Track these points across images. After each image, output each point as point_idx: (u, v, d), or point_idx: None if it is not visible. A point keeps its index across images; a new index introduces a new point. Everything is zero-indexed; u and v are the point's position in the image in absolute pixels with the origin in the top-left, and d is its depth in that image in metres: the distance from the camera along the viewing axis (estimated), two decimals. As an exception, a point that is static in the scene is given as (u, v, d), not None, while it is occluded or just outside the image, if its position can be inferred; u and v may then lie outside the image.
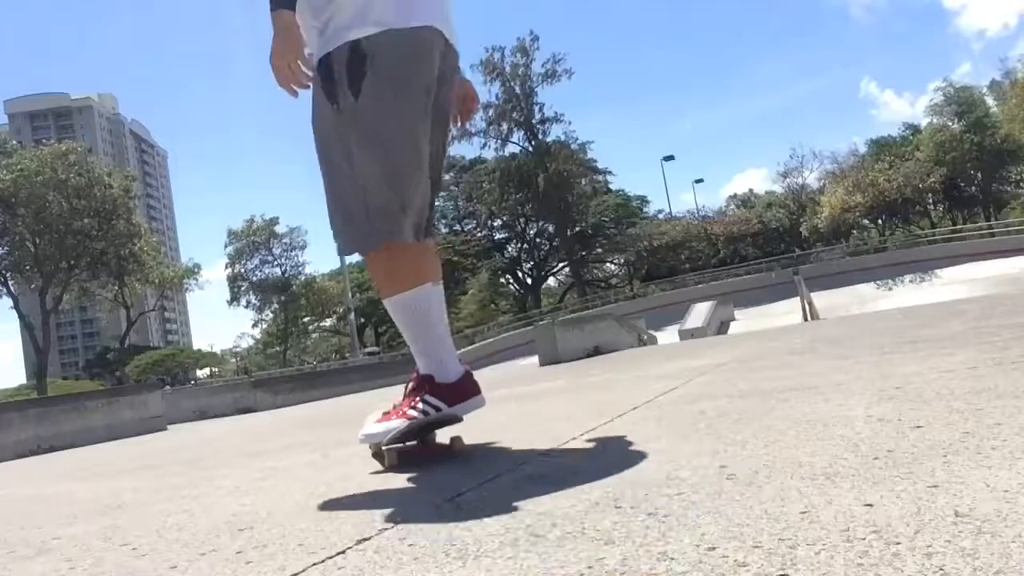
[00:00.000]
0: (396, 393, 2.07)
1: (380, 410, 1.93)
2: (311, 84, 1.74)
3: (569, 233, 47.92)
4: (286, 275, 50.86)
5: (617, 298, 42.05)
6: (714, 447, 1.50)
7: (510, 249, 53.59)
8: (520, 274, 53.15)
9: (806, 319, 22.74)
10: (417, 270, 1.85)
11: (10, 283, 39.49)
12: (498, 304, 50.44)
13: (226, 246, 51.28)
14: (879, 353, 3.13)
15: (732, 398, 2.30)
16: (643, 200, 53.07)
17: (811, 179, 45.90)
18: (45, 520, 1.91)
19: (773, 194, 49.25)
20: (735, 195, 56.57)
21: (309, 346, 60.23)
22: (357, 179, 1.73)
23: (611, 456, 1.58)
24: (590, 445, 1.78)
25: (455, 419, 1.84)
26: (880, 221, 44.89)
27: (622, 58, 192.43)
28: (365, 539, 1.15)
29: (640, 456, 1.53)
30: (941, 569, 0.71)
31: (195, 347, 72.41)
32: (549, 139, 46.37)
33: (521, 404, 3.43)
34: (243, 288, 51.13)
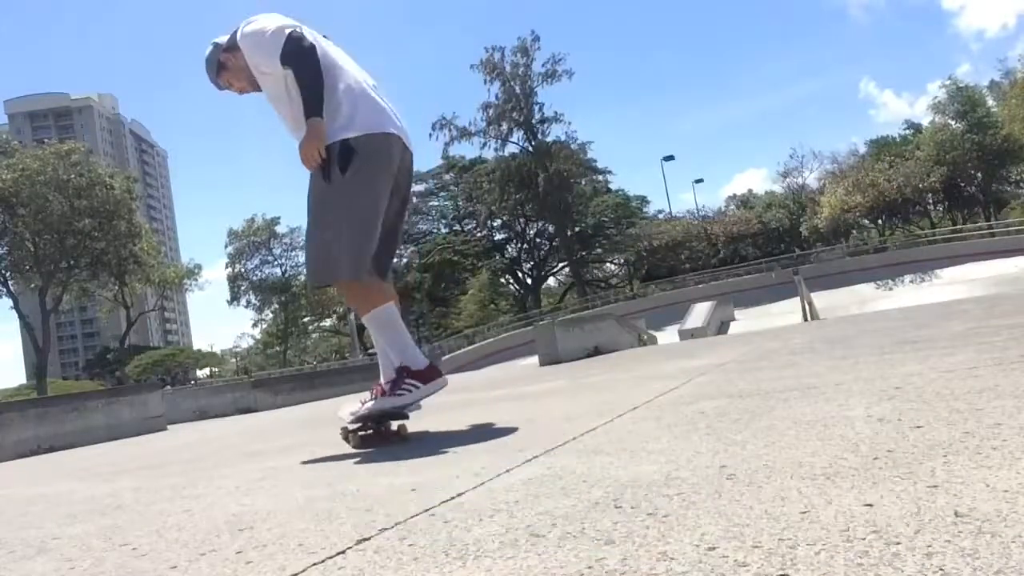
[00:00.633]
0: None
1: (356, 400, 2.55)
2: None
3: (569, 233, 47.90)
4: (286, 275, 50.85)
5: (617, 298, 42.04)
6: (714, 447, 1.50)
7: (510, 249, 53.57)
8: (520, 274, 53.13)
9: (806, 319, 22.73)
10: (382, 294, 2.55)
11: (10, 283, 39.49)
12: (498, 304, 50.43)
13: (226, 246, 51.29)
14: (879, 353, 3.13)
15: (732, 398, 2.30)
16: (643, 200, 53.07)
17: (811, 179, 45.94)
18: (45, 520, 1.91)
19: (773, 194, 49.23)
20: (735, 195, 56.56)
21: (309, 346, 60.23)
22: (336, 231, 2.42)
23: (611, 456, 1.58)
24: (590, 445, 1.78)
25: (428, 395, 2.51)
26: (880, 221, 44.87)
27: (622, 58, 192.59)
28: (365, 539, 1.15)
29: (640, 456, 1.53)
30: (941, 569, 0.71)
31: (195, 347, 72.40)
32: (549, 139, 46.37)
33: (521, 404, 3.43)
34: (243, 288, 51.10)
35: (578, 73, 58.33)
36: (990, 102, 42.34)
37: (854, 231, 44.26)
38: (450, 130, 46.00)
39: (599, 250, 50.77)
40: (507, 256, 53.24)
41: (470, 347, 37.20)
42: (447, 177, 53.93)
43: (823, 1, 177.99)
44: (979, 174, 42.20)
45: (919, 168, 40.09)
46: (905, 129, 49.47)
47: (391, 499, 1.45)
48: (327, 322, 55.97)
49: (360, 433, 2.47)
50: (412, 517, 1.26)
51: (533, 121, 45.84)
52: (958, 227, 41.70)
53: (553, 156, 45.38)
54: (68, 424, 6.68)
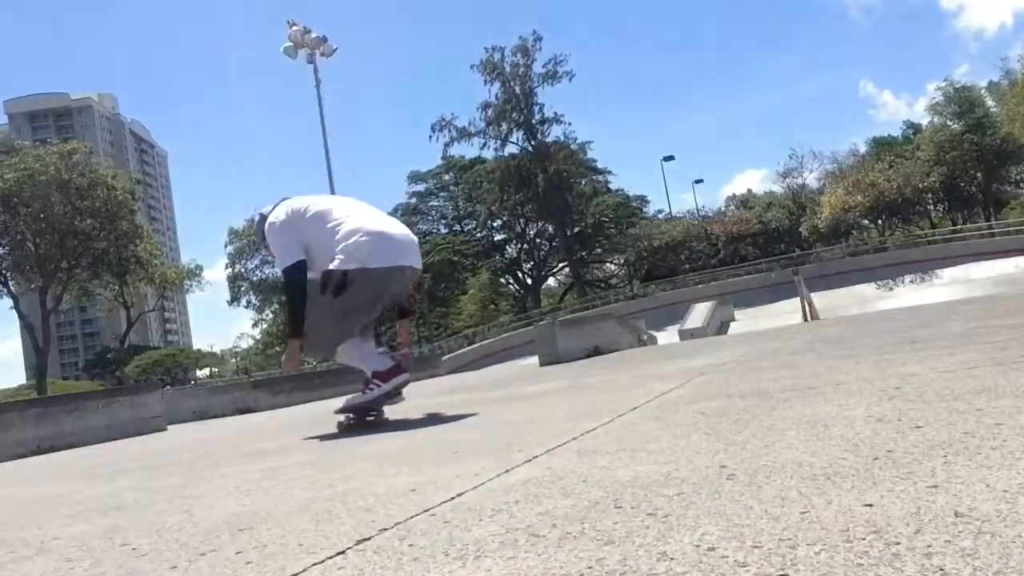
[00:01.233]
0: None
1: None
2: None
3: (569, 233, 47.88)
4: (287, 275, 50.73)
5: (617, 298, 42.00)
6: (714, 447, 1.50)
7: (510, 249, 53.54)
8: (520, 274, 53.11)
9: (806, 319, 22.70)
10: (292, 362, 3.39)
11: (10, 283, 39.47)
12: (498, 304, 50.40)
13: (226, 245, 51.23)
14: (879, 353, 3.13)
15: (732, 398, 2.30)
16: (643, 200, 53.06)
17: (811, 179, 45.89)
18: (45, 520, 1.91)
19: (773, 194, 49.18)
20: (735, 195, 56.51)
21: (309, 346, 60.11)
22: (315, 326, 3.20)
23: (611, 456, 1.58)
24: (590, 445, 1.78)
25: (389, 389, 3.20)
26: (880, 221, 44.82)
27: (622, 58, 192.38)
28: (365, 539, 1.15)
29: (640, 456, 1.53)
30: (941, 569, 0.71)
31: (195, 347, 72.37)
32: (549, 139, 46.35)
33: (521, 404, 3.43)
34: (243, 288, 51.04)
35: (578, 73, 58.27)
36: (989, 102, 42.32)
37: (854, 231, 44.20)
38: (450, 130, 46.05)
39: (599, 250, 50.75)
40: (507, 256, 53.22)
41: (470, 347, 37.19)
42: (447, 177, 53.93)
43: (822, 2, 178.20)
44: (978, 174, 42.17)
45: (919, 168, 40.08)
46: (905, 129, 49.48)
47: (391, 499, 1.45)
48: (327, 322, 55.89)
49: (341, 420, 3.29)
50: (412, 517, 1.26)
51: (533, 121, 45.82)
52: (958, 227, 41.68)
53: (553, 156, 45.37)
54: (68, 424, 6.68)
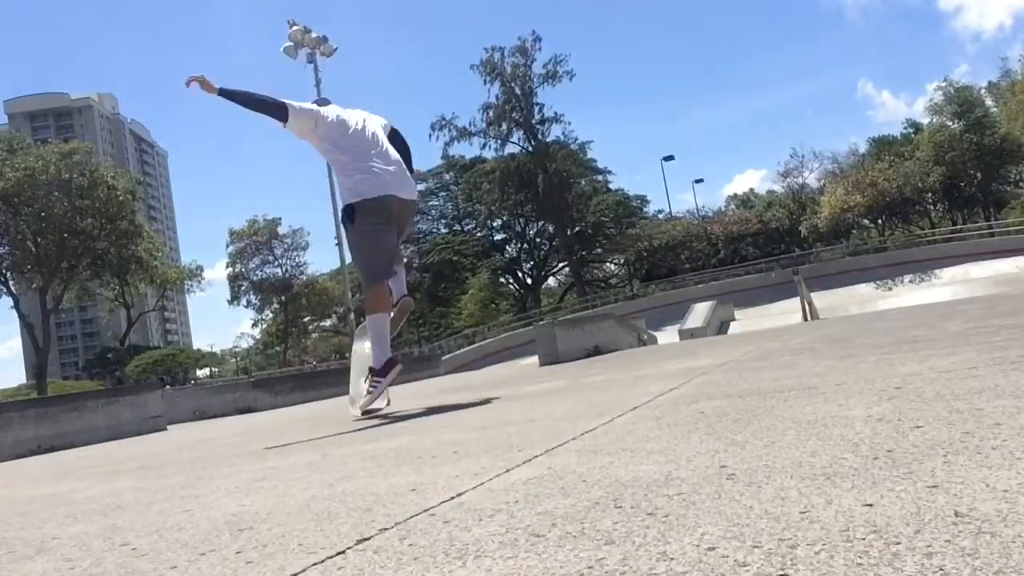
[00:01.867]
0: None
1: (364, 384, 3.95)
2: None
3: (569, 233, 47.87)
4: (287, 276, 50.80)
5: (617, 298, 42.00)
6: (714, 447, 1.50)
7: (510, 249, 53.53)
8: (520, 274, 53.10)
9: (806, 319, 22.71)
10: (381, 303, 3.89)
11: (10, 283, 39.46)
12: (498, 304, 50.38)
13: (227, 245, 51.22)
14: (879, 353, 3.13)
15: (732, 398, 2.30)
16: (643, 200, 53.05)
17: (811, 179, 45.87)
18: (45, 520, 1.91)
19: (773, 194, 49.18)
20: (735, 195, 56.52)
21: (309, 346, 60.17)
22: (358, 257, 3.97)
23: (611, 456, 1.58)
24: (590, 445, 1.78)
25: (388, 385, 3.88)
26: (880, 221, 44.82)
27: (622, 58, 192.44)
28: (365, 539, 1.15)
29: (640, 456, 1.53)
30: (941, 569, 0.71)
31: (195, 347, 72.35)
32: (549, 139, 46.33)
33: (521, 404, 3.43)
34: (244, 288, 51.04)
35: (578, 73, 58.34)
36: (988, 102, 42.31)
37: (854, 231, 44.19)
38: (450, 130, 46.04)
39: (599, 250, 50.73)
40: (507, 256, 53.21)
41: (470, 347, 37.19)
42: (447, 177, 53.91)
43: (820, 3, 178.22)
44: (978, 174, 42.16)
45: (919, 168, 40.07)
46: (906, 129, 49.48)
47: (391, 499, 1.45)
48: (327, 322, 55.95)
49: (360, 408, 4.01)
50: (412, 517, 1.26)
51: (533, 121, 45.81)
52: (958, 227, 41.67)
53: (553, 156, 45.36)
54: (68, 424, 6.68)
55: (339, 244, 30.52)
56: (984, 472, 1.02)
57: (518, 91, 45.47)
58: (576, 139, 47.53)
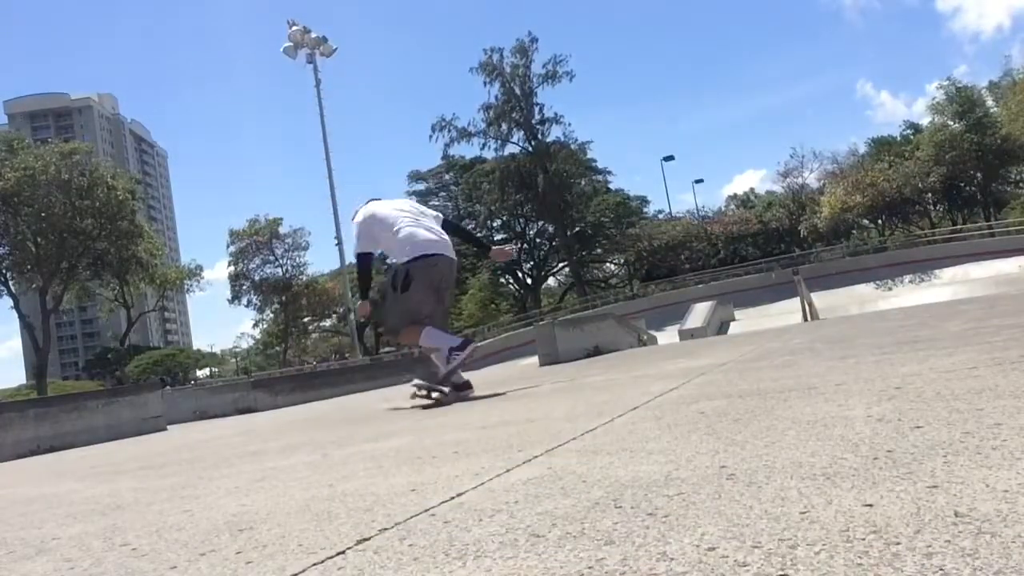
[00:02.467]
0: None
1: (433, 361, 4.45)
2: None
3: (569, 233, 47.87)
4: (287, 276, 50.79)
5: (617, 298, 41.98)
6: (714, 447, 1.50)
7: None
8: (520, 274, 53.10)
9: (806, 319, 22.70)
10: (417, 330, 4.30)
11: (10, 283, 39.46)
12: (498, 304, 50.37)
13: (228, 245, 51.22)
14: (879, 353, 3.13)
15: (732, 398, 2.30)
16: (643, 200, 53.06)
17: (811, 179, 45.85)
18: (45, 520, 1.91)
19: (773, 194, 49.18)
20: (735, 195, 56.51)
21: (309, 346, 60.17)
22: (393, 315, 4.46)
23: (611, 456, 1.58)
24: (590, 445, 1.78)
25: (464, 358, 4.25)
26: (880, 221, 44.81)
27: (622, 59, 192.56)
28: (365, 539, 1.15)
29: (640, 456, 1.53)
30: (941, 569, 0.71)
31: (195, 347, 72.36)
32: (549, 139, 46.33)
33: (521, 404, 3.43)
34: (244, 287, 51.03)
35: (578, 73, 58.36)
36: (989, 102, 42.30)
37: (854, 231, 44.18)
38: (450, 131, 46.04)
39: (599, 250, 50.73)
40: (506, 256, 53.12)
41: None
42: (447, 177, 53.92)
43: (818, 3, 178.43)
44: (978, 174, 42.14)
45: (919, 168, 40.06)
46: (905, 129, 49.48)
47: (391, 499, 1.45)
48: (327, 322, 55.93)
49: (419, 395, 4.33)
50: (412, 517, 1.26)
51: (533, 122, 45.81)
52: (958, 227, 41.65)
53: (553, 156, 45.35)
54: (68, 424, 6.68)
55: (339, 244, 30.53)
56: (984, 472, 1.02)
57: (518, 91, 45.47)
58: (576, 139, 47.56)
